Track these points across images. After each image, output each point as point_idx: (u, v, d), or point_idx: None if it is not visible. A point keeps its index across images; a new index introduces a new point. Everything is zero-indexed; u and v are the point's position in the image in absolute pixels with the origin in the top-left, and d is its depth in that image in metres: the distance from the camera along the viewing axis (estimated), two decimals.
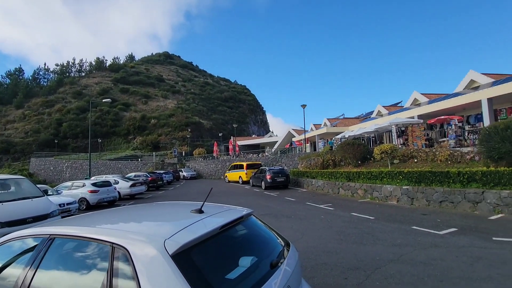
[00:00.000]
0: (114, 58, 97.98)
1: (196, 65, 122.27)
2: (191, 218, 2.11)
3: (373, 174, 11.19)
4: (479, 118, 16.77)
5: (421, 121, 18.45)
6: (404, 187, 9.66)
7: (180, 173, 33.78)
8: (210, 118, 73.20)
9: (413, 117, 19.89)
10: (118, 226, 2.20)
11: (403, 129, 19.93)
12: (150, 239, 1.67)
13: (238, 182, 22.89)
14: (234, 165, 24.75)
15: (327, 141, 26.53)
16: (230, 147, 37.73)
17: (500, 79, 16.10)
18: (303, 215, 8.51)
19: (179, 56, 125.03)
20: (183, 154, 44.96)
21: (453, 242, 5.21)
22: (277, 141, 41.43)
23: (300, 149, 28.19)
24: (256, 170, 19.85)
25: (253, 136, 64.04)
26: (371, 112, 30.14)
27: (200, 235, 1.72)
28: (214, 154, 37.99)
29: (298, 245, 5.49)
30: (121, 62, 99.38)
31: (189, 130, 55.31)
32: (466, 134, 17.09)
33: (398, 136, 19.64)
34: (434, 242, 5.25)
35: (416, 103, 22.84)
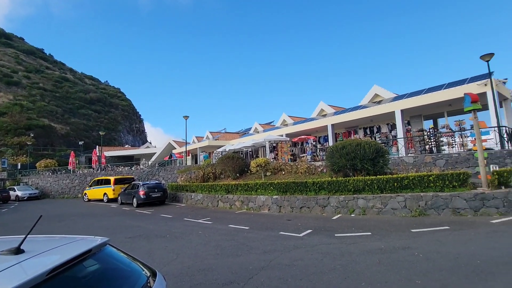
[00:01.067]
0: None
1: (49, 54, 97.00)
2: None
3: (249, 185, 12.01)
4: (326, 139, 21.53)
5: (288, 139, 21.73)
6: (274, 197, 10.84)
7: (12, 192, 25.07)
8: (67, 122, 59.62)
9: (282, 135, 23.20)
10: None
11: (275, 145, 22.82)
12: None
13: (102, 200, 19.26)
14: (98, 180, 20.76)
15: (203, 154, 26.97)
16: (94, 158, 31.59)
17: (339, 111, 21.44)
18: (179, 233, 7.94)
19: (22, 38, 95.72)
20: (19, 167, 34.00)
21: (309, 242, 6.12)
22: (155, 153, 38.35)
23: (181, 162, 27.17)
24: (127, 185, 17.36)
25: (127, 146, 56.84)
26: (250, 129, 33.14)
27: None
28: (70, 167, 30.59)
29: (172, 267, 4.97)
30: None
31: (32, 135, 42.62)
32: (318, 151, 21.49)
33: (271, 151, 22.29)
34: (296, 244, 6.00)
35: (284, 124, 26.91)
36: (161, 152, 37.74)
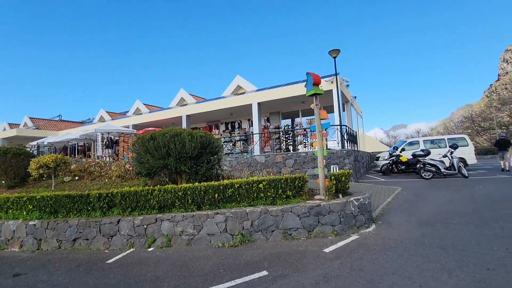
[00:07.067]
0: None
1: None
2: None
3: None
4: None
5: (134, 131, 16.86)
6: (31, 223, 6.15)
7: None
8: None
9: (128, 127, 18.06)
10: None
11: (117, 139, 17.35)
12: None
13: None
14: None
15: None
16: None
17: (199, 101, 18.37)
18: None
19: None
20: None
21: None
22: None
23: None
24: None
25: None
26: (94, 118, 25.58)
27: None
28: None
29: None
30: None
31: None
32: None
33: (107, 147, 16.72)
34: None
35: (138, 113, 21.59)
36: None
